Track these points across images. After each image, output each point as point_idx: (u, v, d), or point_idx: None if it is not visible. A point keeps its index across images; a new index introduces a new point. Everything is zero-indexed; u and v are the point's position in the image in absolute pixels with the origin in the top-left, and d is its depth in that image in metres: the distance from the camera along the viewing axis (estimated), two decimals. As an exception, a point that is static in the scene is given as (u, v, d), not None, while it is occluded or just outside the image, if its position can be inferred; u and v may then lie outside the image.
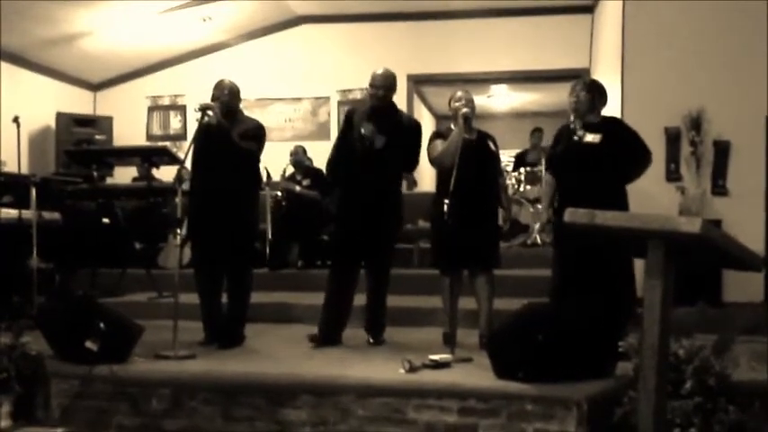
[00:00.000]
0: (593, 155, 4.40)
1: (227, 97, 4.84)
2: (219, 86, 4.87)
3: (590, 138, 4.45)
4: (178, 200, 4.79)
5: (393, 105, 4.93)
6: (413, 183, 9.74)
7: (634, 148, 4.46)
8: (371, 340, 4.85)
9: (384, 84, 4.79)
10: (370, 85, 4.81)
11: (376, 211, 4.73)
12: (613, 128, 4.52)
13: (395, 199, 4.89)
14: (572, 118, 4.61)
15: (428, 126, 13.19)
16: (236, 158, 4.75)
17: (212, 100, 4.79)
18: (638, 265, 4.06)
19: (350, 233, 4.84)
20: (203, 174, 4.80)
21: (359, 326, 4.96)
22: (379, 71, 4.83)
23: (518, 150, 9.89)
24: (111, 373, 3.89)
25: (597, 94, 4.55)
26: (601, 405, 3.41)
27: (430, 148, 4.84)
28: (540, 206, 7.76)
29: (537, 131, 9.82)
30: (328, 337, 4.76)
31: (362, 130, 4.73)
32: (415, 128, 4.93)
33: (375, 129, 4.72)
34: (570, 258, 4.39)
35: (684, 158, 5.83)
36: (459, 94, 4.78)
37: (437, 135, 4.88)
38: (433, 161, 4.85)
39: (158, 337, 4.45)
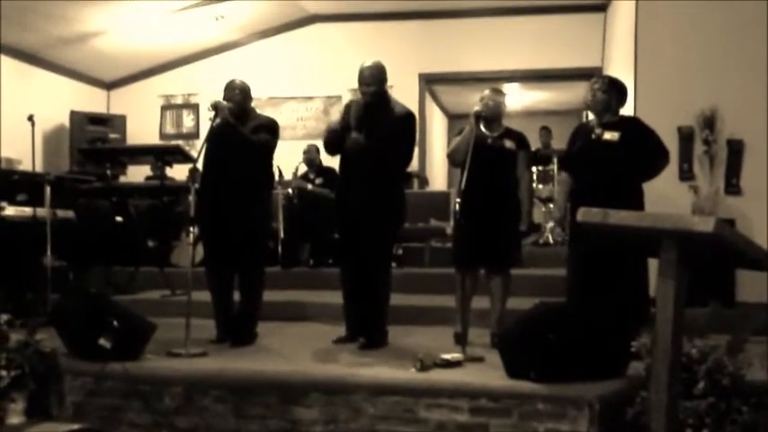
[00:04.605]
0: (611, 153, 4.40)
1: (239, 97, 4.85)
2: (231, 87, 4.89)
3: (608, 136, 4.44)
4: (191, 198, 4.81)
5: (386, 99, 4.80)
6: (424, 182, 9.74)
7: (652, 148, 4.46)
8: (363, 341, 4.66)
9: (374, 79, 4.67)
10: (359, 82, 4.70)
11: (369, 211, 4.61)
12: (631, 126, 4.51)
13: (391, 197, 4.71)
14: (590, 116, 4.60)
15: (440, 126, 13.18)
16: (249, 157, 4.77)
17: (224, 100, 4.81)
18: (652, 264, 4.06)
19: (345, 233, 4.83)
20: (216, 172, 4.82)
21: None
22: (367, 64, 4.71)
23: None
24: (124, 370, 3.91)
25: (615, 94, 4.52)
26: (612, 405, 3.40)
27: (449, 145, 4.88)
28: (552, 206, 7.77)
29: (544, 130, 9.79)
30: (353, 338, 4.76)
31: (353, 134, 4.63)
32: (408, 118, 4.76)
33: (362, 135, 4.60)
34: (585, 257, 4.38)
35: (697, 157, 5.79)
36: (485, 92, 4.81)
37: (460, 133, 4.86)
38: (447, 156, 4.92)
39: (171, 334, 4.47)
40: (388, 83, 4.84)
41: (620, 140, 4.40)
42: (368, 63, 4.73)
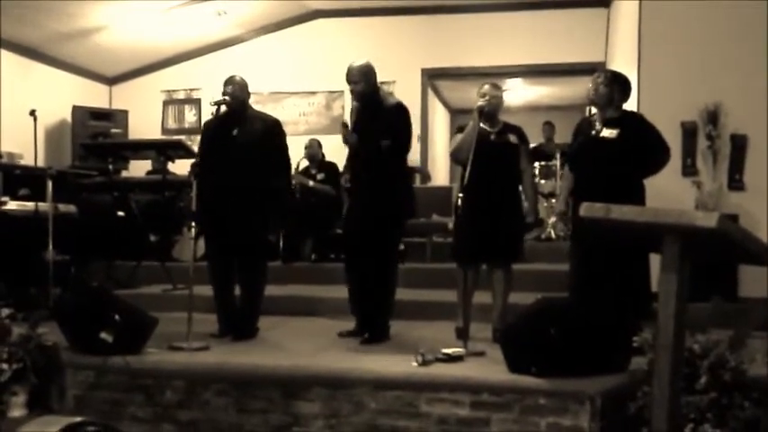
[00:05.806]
0: (609, 150, 4.38)
1: (238, 93, 4.86)
2: (230, 83, 4.89)
3: (606, 133, 4.43)
4: (193, 193, 4.81)
5: (377, 95, 4.80)
6: (426, 177, 9.73)
7: (652, 145, 4.43)
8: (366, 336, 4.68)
9: (361, 76, 4.68)
10: (347, 80, 4.72)
11: (373, 208, 4.65)
12: (632, 123, 4.48)
13: (394, 193, 4.71)
14: (593, 111, 4.59)
15: (442, 121, 13.15)
16: (252, 156, 4.77)
17: (223, 95, 4.82)
18: (654, 259, 4.05)
19: (350, 229, 4.85)
20: (217, 167, 4.81)
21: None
22: (355, 64, 4.73)
23: (533, 145, 9.86)
24: (126, 364, 3.91)
25: (618, 88, 4.50)
26: (614, 400, 3.40)
27: (451, 143, 4.86)
28: (554, 201, 7.77)
29: (547, 125, 9.77)
30: (361, 333, 4.74)
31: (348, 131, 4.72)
32: (400, 112, 4.76)
33: (350, 130, 4.70)
34: (587, 252, 4.37)
35: (701, 153, 5.78)
36: (485, 88, 4.79)
37: (459, 129, 4.86)
38: (450, 155, 4.89)
39: (172, 328, 4.47)
40: (391, 78, 4.84)
41: (618, 137, 4.38)
42: (356, 62, 4.75)
